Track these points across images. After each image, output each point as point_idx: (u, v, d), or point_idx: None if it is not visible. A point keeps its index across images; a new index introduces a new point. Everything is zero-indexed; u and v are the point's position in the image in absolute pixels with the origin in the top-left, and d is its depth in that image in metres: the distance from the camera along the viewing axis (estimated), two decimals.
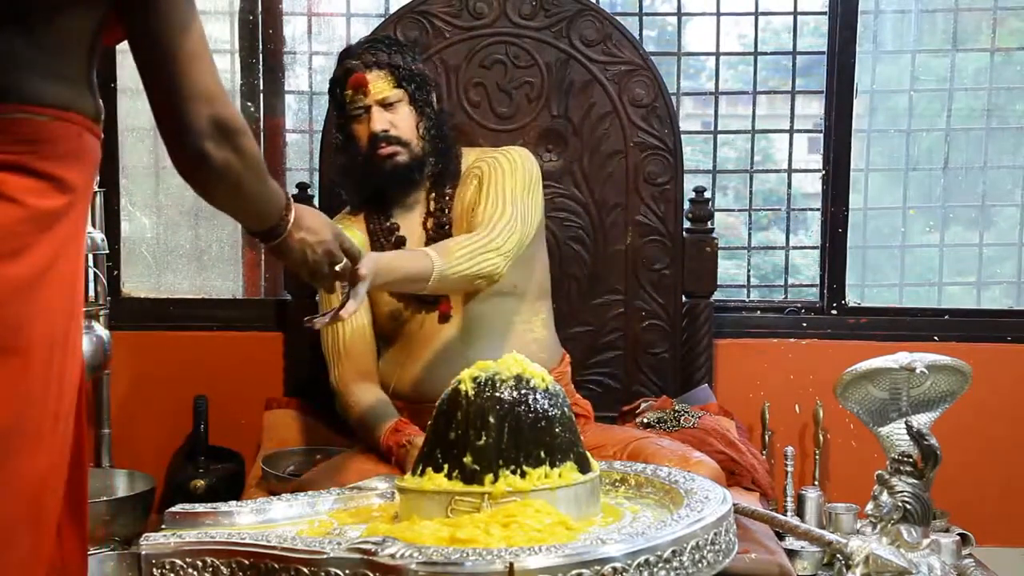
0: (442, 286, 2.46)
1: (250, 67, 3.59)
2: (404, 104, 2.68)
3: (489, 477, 1.94)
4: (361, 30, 3.52)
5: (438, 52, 3.16)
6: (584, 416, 2.84)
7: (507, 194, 2.64)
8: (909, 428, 2.57)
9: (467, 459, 1.97)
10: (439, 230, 2.71)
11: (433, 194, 2.74)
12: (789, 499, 3.18)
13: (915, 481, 2.49)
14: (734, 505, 2.06)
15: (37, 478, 1.51)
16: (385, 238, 2.73)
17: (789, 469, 3.21)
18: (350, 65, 2.68)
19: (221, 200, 1.80)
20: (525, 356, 2.09)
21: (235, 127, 1.64)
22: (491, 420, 1.97)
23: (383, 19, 3.33)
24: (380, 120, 2.65)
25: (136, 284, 3.60)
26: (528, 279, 2.77)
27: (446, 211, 2.72)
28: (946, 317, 3.54)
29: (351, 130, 2.71)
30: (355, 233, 2.32)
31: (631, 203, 3.18)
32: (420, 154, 2.69)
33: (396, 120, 2.66)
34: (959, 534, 2.97)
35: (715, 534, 1.88)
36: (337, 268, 2.01)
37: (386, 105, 2.66)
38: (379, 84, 2.65)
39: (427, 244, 2.66)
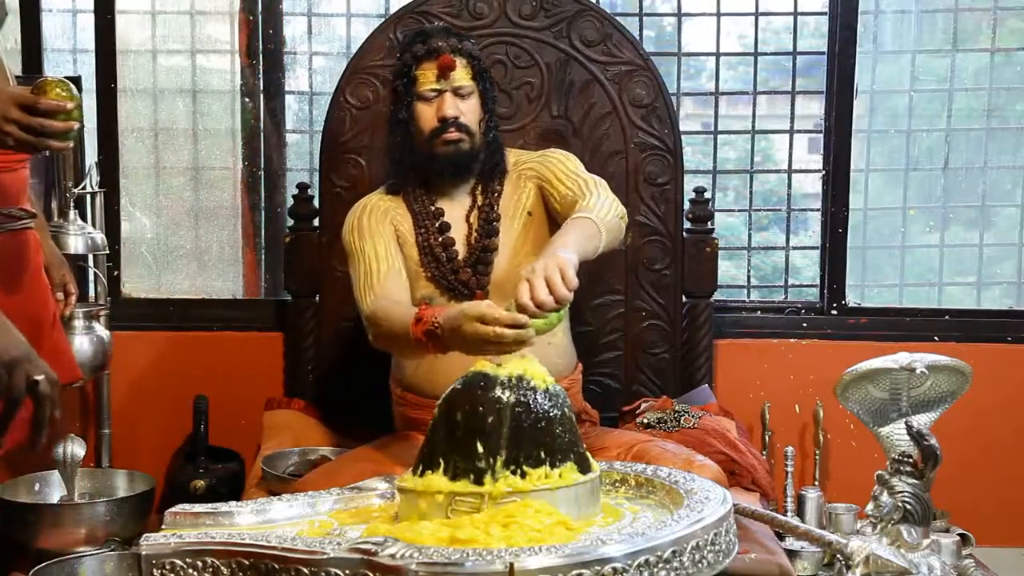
0: (607, 238, 2.53)
1: (250, 67, 3.60)
2: (475, 96, 2.72)
3: (489, 477, 1.94)
4: (361, 30, 3.52)
5: None
6: (591, 422, 2.85)
7: (578, 174, 2.72)
8: (909, 428, 2.57)
9: (467, 459, 1.97)
10: (487, 225, 2.72)
11: (480, 187, 2.77)
12: (789, 499, 3.18)
13: (915, 481, 2.49)
14: (734, 505, 2.06)
15: None
16: (430, 221, 2.74)
17: (789, 469, 3.21)
18: (437, 46, 2.70)
19: None
20: (542, 361, 2.11)
21: None
22: (491, 420, 1.97)
23: (383, 19, 3.33)
24: (453, 106, 2.68)
25: (136, 284, 3.61)
26: None
27: (495, 207, 2.75)
28: (946, 317, 3.54)
29: (415, 109, 2.72)
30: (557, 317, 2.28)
31: (631, 203, 3.17)
32: (478, 146, 2.73)
33: (466, 109, 2.70)
34: (959, 534, 2.97)
35: (715, 534, 1.88)
36: (40, 125, 1.97)
37: (460, 93, 2.69)
38: (461, 71, 2.69)
39: (470, 238, 2.71)
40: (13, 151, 2.07)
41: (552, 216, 2.74)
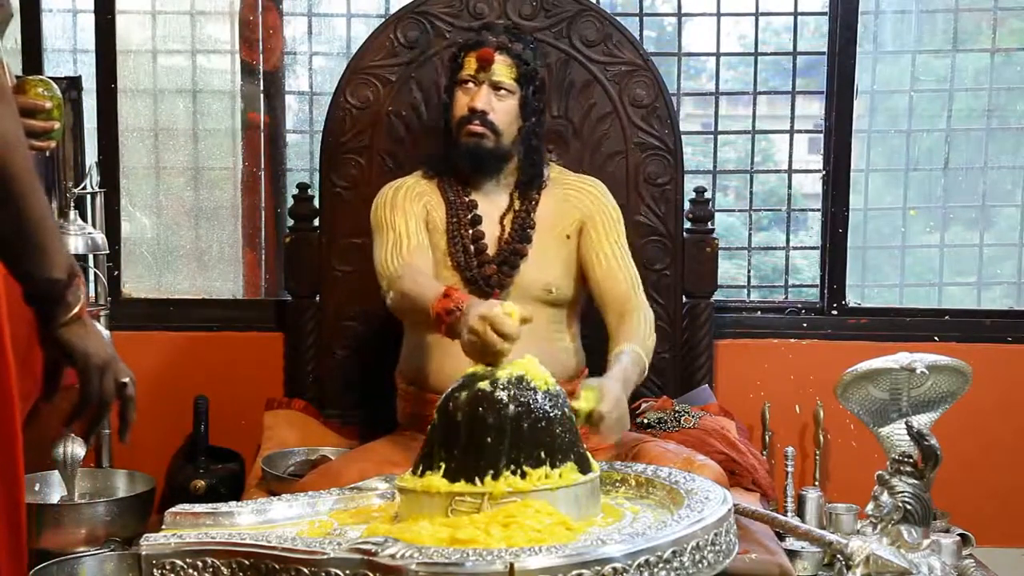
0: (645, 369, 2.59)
1: (250, 67, 3.59)
2: (513, 98, 2.71)
3: (489, 477, 1.94)
4: (361, 30, 3.52)
5: (438, 53, 3.16)
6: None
7: (625, 252, 2.79)
8: (909, 428, 2.57)
9: (467, 459, 1.97)
10: (521, 231, 2.74)
11: (518, 192, 2.78)
12: (789, 499, 3.18)
13: (915, 481, 2.49)
14: (734, 505, 2.06)
15: None
16: (463, 211, 2.75)
17: (789, 469, 3.21)
18: (484, 38, 2.72)
19: None
20: (548, 362, 2.12)
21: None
22: (491, 421, 1.97)
23: (383, 19, 3.33)
24: (484, 100, 2.69)
25: (136, 284, 3.60)
26: (576, 292, 2.80)
27: (531, 214, 2.76)
28: (946, 317, 3.54)
29: (454, 95, 2.75)
30: (511, 310, 2.25)
31: (631, 203, 3.17)
32: (506, 149, 2.73)
33: (499, 108, 2.70)
34: (959, 534, 2.97)
35: (715, 534, 1.88)
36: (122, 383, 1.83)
37: (498, 90, 2.69)
38: (501, 68, 2.69)
39: (502, 238, 2.73)
40: None
41: (583, 266, 2.77)
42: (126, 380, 1.79)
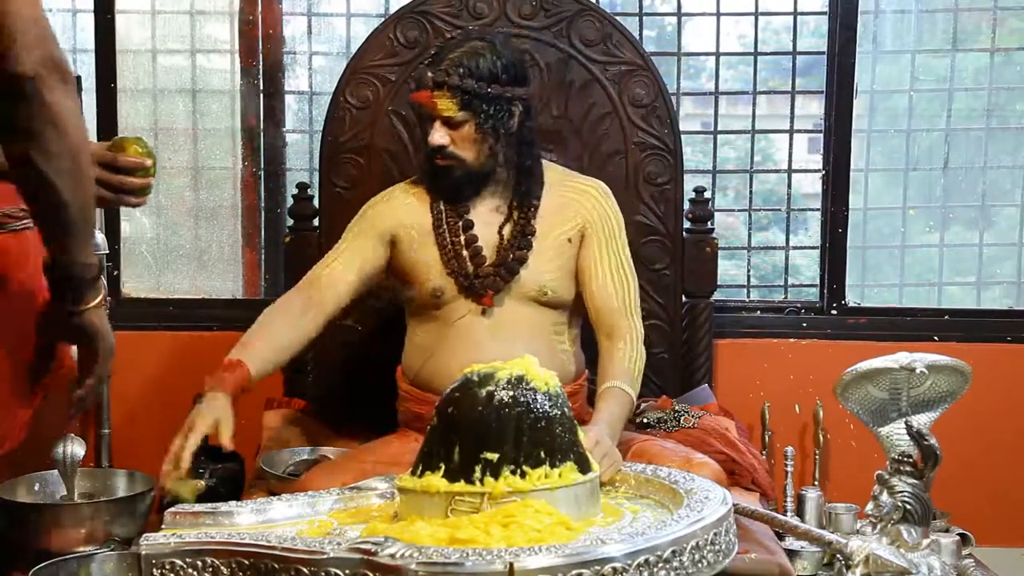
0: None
1: (250, 67, 3.60)
2: (469, 126, 2.66)
3: (489, 477, 1.94)
4: (361, 30, 3.52)
5: None
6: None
7: (623, 264, 2.77)
8: (909, 428, 2.57)
9: (467, 459, 1.97)
10: (522, 238, 2.71)
11: (515, 201, 2.74)
12: (789, 499, 3.18)
13: (915, 481, 2.49)
14: (734, 505, 2.06)
15: None
16: (453, 219, 2.74)
17: (789, 469, 3.21)
18: (424, 77, 2.66)
19: (46, 159, 1.71)
20: (548, 364, 2.12)
21: (68, 72, 1.69)
22: (491, 421, 1.97)
23: (383, 19, 3.33)
24: (440, 136, 2.65)
25: (136, 284, 3.61)
26: (574, 295, 2.78)
27: (531, 222, 2.73)
28: (946, 317, 3.54)
29: (423, 127, 2.75)
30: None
31: (631, 203, 3.17)
32: (480, 170, 2.69)
33: (457, 137, 2.66)
34: (959, 534, 2.97)
35: (715, 534, 1.88)
36: (119, 182, 2.08)
37: (450, 124, 2.66)
38: (444, 103, 2.63)
39: (500, 249, 2.70)
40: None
41: (578, 274, 2.76)
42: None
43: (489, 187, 2.73)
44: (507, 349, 2.56)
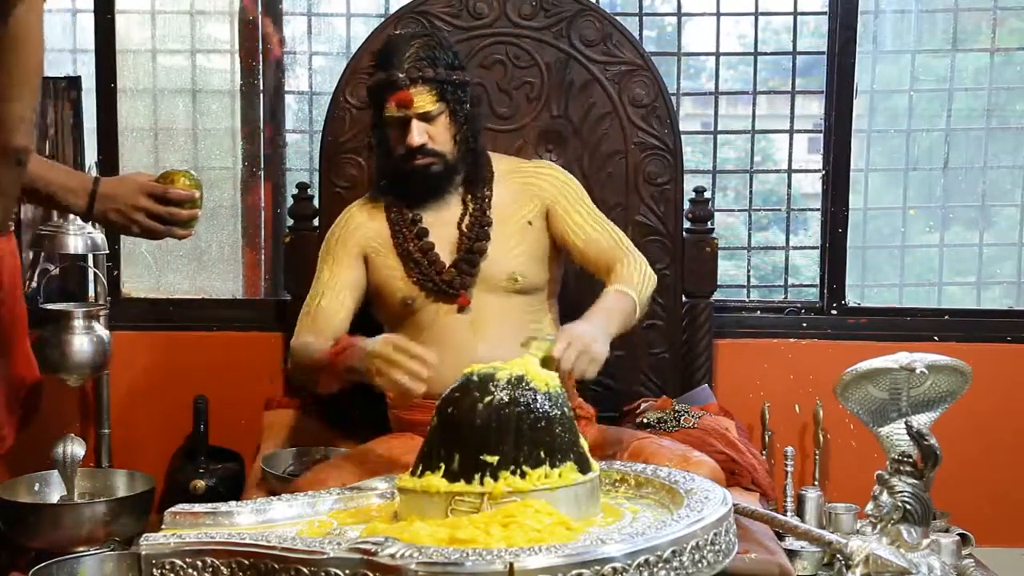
0: (639, 315, 2.59)
1: (250, 67, 3.60)
2: (444, 116, 2.68)
3: (489, 477, 1.94)
4: (361, 30, 3.52)
5: None
6: (586, 418, 2.85)
7: (599, 215, 2.79)
8: (909, 428, 2.57)
9: (466, 459, 1.97)
10: (479, 229, 2.73)
11: (469, 195, 2.76)
12: (789, 499, 3.18)
13: (915, 481, 2.49)
14: (734, 505, 2.06)
15: None
16: (407, 228, 2.75)
17: (789, 469, 3.21)
18: (395, 78, 2.64)
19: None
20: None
21: None
22: (491, 421, 1.97)
23: (383, 19, 3.33)
24: (419, 134, 2.65)
25: (136, 284, 3.61)
26: (546, 278, 2.79)
27: (486, 212, 2.74)
28: (946, 317, 3.54)
29: (387, 134, 2.72)
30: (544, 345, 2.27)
31: (631, 203, 3.18)
32: (454, 163, 2.71)
33: (435, 132, 2.67)
34: (959, 534, 2.97)
35: (715, 534, 1.88)
36: (168, 214, 2.21)
37: (426, 118, 2.66)
38: (422, 98, 2.64)
39: (462, 245, 2.71)
40: (136, 236, 2.29)
41: (563, 244, 2.76)
42: None
43: (451, 185, 2.75)
44: (489, 344, 2.59)
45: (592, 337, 2.33)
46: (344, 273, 2.76)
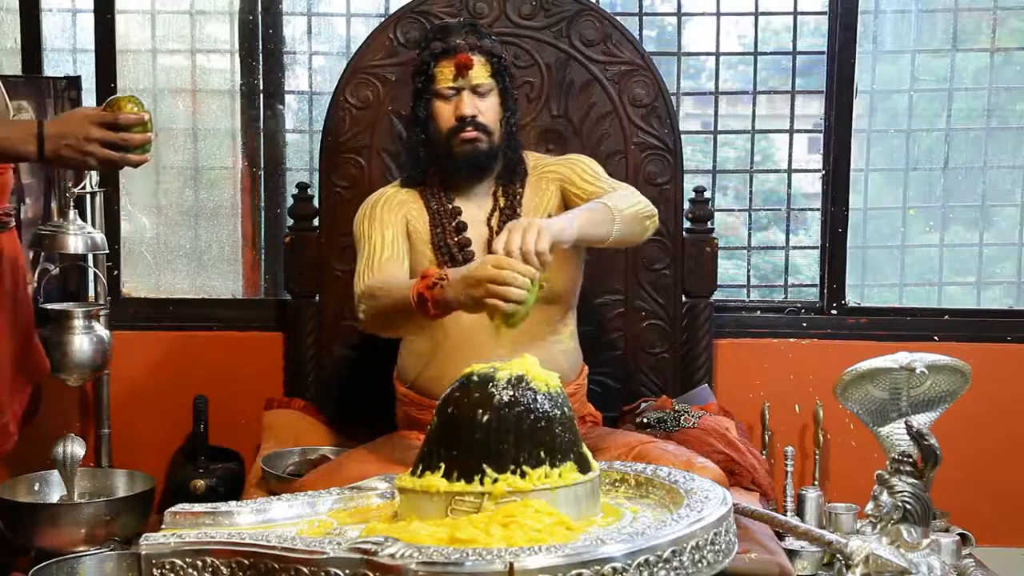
0: (623, 228, 2.51)
1: (250, 67, 3.60)
2: (494, 94, 2.69)
3: (489, 477, 1.94)
4: (361, 30, 3.52)
5: None
6: (593, 422, 2.84)
7: (610, 179, 2.74)
8: (909, 428, 2.57)
9: (467, 459, 1.97)
10: None
11: (501, 189, 2.75)
12: (789, 499, 3.18)
13: (915, 481, 2.49)
14: (734, 505, 2.06)
15: None
16: (447, 219, 2.72)
17: (789, 469, 3.21)
18: (455, 44, 2.66)
19: None
20: (549, 364, 2.11)
21: None
22: (491, 421, 1.97)
23: (383, 19, 3.33)
24: (471, 105, 2.65)
25: (136, 284, 3.61)
26: (570, 289, 2.77)
27: (516, 211, 2.72)
28: (946, 317, 3.54)
29: (433, 107, 2.69)
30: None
31: None
32: (497, 145, 2.70)
33: (484, 108, 2.67)
34: (959, 534, 2.97)
35: (715, 534, 1.88)
36: (121, 140, 2.21)
37: (478, 92, 2.67)
38: (479, 69, 2.66)
39: (490, 239, 2.66)
40: (96, 171, 2.27)
41: (571, 206, 2.69)
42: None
43: (490, 172, 2.73)
44: (508, 351, 2.55)
45: (529, 220, 2.28)
46: (397, 232, 2.70)
